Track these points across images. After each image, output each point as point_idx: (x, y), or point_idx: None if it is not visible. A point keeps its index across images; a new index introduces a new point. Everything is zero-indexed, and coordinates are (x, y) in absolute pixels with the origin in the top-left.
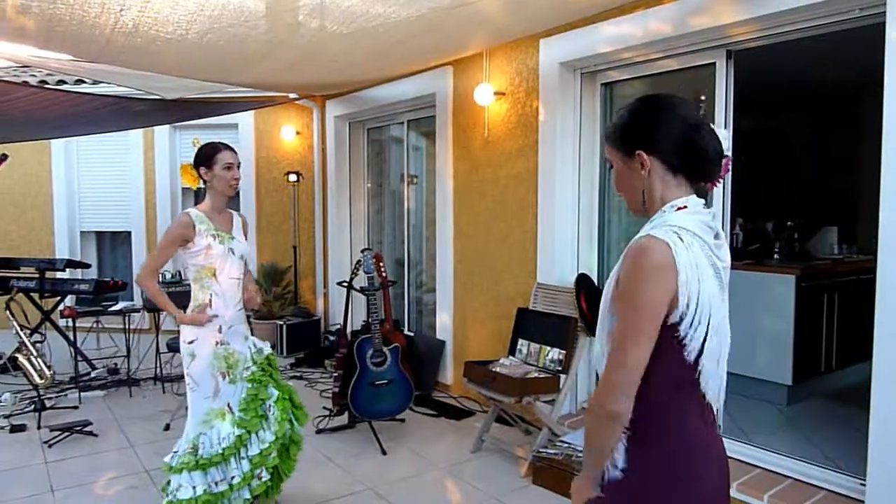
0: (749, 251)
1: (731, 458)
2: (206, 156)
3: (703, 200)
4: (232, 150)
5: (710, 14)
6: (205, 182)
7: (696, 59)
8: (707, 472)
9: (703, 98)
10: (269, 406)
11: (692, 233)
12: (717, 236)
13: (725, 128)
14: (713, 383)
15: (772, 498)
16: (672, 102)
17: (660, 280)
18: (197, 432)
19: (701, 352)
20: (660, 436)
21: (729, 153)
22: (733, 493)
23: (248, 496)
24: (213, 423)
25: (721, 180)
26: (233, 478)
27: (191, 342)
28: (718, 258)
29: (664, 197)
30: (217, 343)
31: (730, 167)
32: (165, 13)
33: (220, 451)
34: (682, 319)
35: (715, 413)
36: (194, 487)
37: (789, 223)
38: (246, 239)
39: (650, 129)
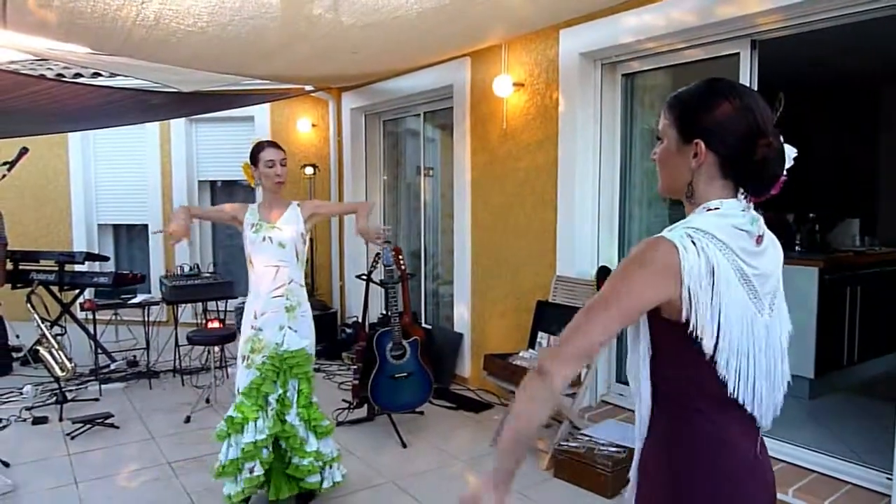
0: None
1: None
2: (252, 154)
3: (741, 203)
4: (276, 146)
5: (735, 3)
6: (259, 179)
7: (720, 49)
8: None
9: (781, 97)
10: (271, 401)
11: (711, 235)
12: (759, 241)
13: (781, 106)
14: (751, 397)
15: (797, 492)
16: (751, 101)
17: (652, 278)
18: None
19: (728, 363)
20: (696, 453)
21: (785, 173)
22: None
23: (238, 489)
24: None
25: (768, 196)
26: (225, 457)
27: (239, 321)
28: (749, 264)
29: (706, 196)
30: (251, 328)
31: (781, 187)
32: (187, 5)
33: (223, 430)
34: (693, 327)
35: (760, 436)
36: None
37: (811, 214)
38: (306, 223)
39: (718, 121)
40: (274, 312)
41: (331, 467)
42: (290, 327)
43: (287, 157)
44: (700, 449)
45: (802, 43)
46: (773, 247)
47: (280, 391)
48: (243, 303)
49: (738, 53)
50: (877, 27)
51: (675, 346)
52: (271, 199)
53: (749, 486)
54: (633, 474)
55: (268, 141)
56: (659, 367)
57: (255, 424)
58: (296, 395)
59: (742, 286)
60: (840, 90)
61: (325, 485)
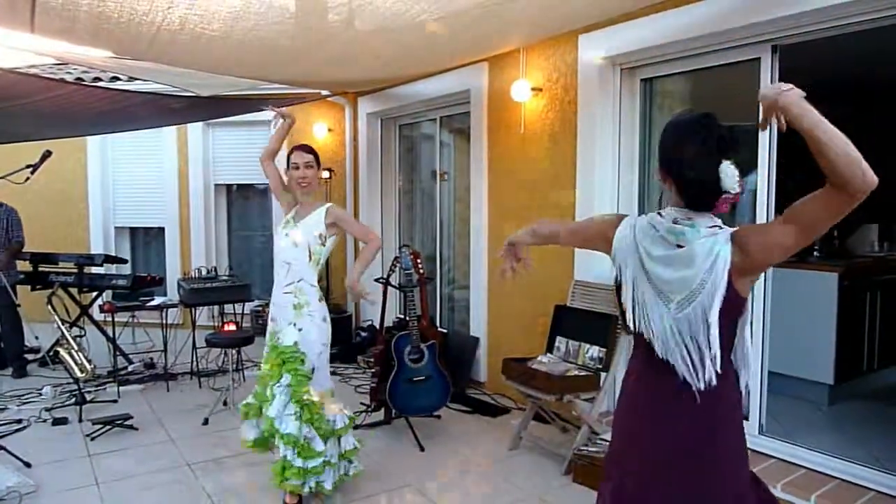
0: None
1: (774, 457)
2: (287, 155)
3: (669, 210)
4: (304, 150)
5: (756, 8)
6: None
7: (740, 54)
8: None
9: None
10: (275, 392)
11: (646, 223)
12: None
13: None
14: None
15: (820, 498)
16: (678, 121)
17: (609, 223)
18: None
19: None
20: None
21: (734, 190)
22: (778, 493)
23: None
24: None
25: (722, 212)
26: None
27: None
28: (644, 248)
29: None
30: (270, 320)
31: (729, 206)
32: (213, 10)
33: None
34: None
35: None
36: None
37: None
38: (328, 228)
39: (661, 146)
40: (283, 308)
41: (338, 467)
42: (294, 324)
43: (314, 162)
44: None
45: (824, 47)
46: (663, 241)
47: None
48: (259, 305)
49: (758, 58)
50: None
51: None
52: (298, 198)
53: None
54: None
55: (301, 144)
56: None
57: (275, 393)
58: (288, 391)
59: (636, 261)
60: (860, 95)
61: (327, 486)
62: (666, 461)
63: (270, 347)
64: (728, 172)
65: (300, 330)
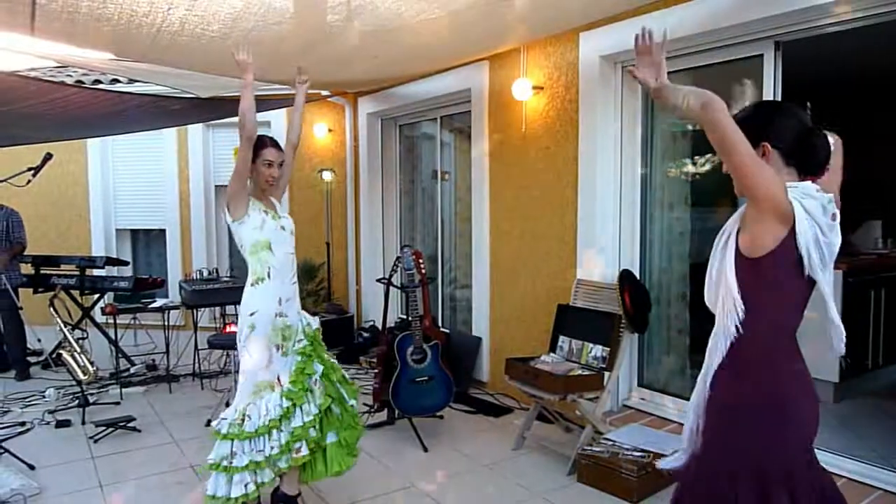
0: None
1: None
2: (254, 147)
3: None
4: (277, 147)
5: (758, 5)
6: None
7: (743, 50)
8: None
9: (809, 105)
10: (315, 380)
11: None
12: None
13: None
14: None
15: None
16: (787, 104)
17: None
18: (246, 402)
19: None
20: None
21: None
22: None
23: (283, 466)
24: (263, 395)
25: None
26: (272, 448)
27: (252, 314)
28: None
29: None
30: (276, 315)
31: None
32: (212, 11)
33: (266, 423)
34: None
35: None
36: (242, 455)
37: None
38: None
39: (774, 124)
40: (293, 297)
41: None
42: (299, 310)
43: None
44: None
45: (826, 43)
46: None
47: (322, 367)
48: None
49: (761, 55)
50: None
51: None
52: (261, 192)
53: None
54: None
55: (271, 138)
56: None
57: (303, 409)
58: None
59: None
60: (863, 91)
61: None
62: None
63: (308, 338)
64: (830, 139)
65: (301, 312)
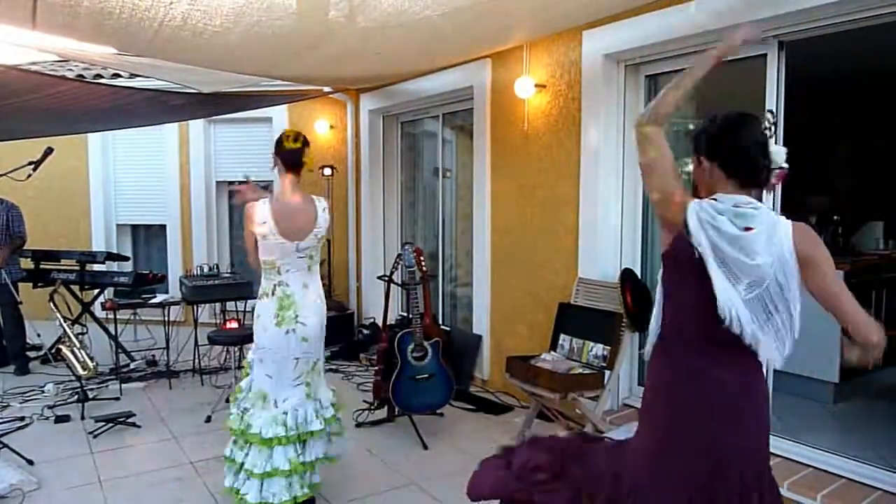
0: None
1: (780, 456)
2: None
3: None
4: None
5: (761, 4)
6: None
7: (746, 50)
8: None
9: (771, 111)
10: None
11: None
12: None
13: (775, 119)
14: None
15: (825, 498)
16: (726, 115)
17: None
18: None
19: None
20: None
21: (784, 166)
22: (784, 492)
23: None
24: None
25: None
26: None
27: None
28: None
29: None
30: (300, 322)
31: (783, 179)
32: (215, 5)
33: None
34: None
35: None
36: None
37: (834, 217)
38: None
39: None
40: (316, 308)
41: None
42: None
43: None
44: None
45: (829, 43)
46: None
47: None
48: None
49: (765, 54)
50: None
51: None
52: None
53: None
54: None
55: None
56: None
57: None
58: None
59: None
60: (866, 91)
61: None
62: None
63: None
64: (777, 151)
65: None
